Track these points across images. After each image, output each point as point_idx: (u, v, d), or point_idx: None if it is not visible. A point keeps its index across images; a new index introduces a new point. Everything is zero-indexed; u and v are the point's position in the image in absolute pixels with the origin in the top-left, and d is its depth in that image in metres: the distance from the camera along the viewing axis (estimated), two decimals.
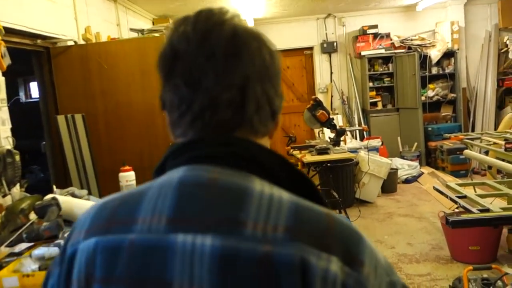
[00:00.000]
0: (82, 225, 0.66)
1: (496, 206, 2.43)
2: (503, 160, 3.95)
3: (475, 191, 3.64)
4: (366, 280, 0.57)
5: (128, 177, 2.74)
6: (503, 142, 4.09)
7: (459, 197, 2.65)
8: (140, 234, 0.59)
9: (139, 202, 0.62)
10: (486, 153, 4.89)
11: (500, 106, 7.63)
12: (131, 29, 5.31)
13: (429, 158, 7.45)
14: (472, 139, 4.77)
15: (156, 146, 3.58)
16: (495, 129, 7.34)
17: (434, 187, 3.07)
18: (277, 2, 6.34)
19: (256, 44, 0.66)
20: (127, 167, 2.77)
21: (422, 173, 6.84)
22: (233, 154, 0.62)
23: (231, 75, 0.63)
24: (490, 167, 4.89)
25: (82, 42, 3.89)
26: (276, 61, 0.68)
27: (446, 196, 2.75)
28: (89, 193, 2.71)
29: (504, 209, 2.31)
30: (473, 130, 7.62)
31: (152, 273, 0.57)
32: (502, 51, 7.61)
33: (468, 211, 2.43)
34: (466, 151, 4.44)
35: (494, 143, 4.35)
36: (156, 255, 0.58)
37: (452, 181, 6.30)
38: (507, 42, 7.41)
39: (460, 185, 2.93)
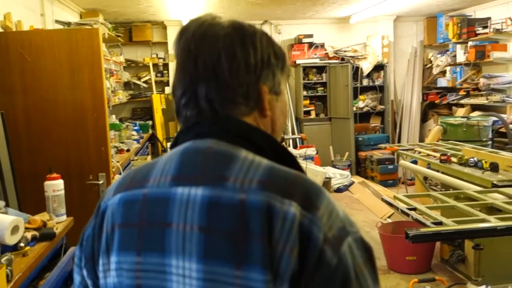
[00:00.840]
0: (111, 188, 0.83)
1: (443, 218, 2.41)
2: (437, 171, 4.05)
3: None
4: (318, 220, 0.69)
5: (55, 186, 2.41)
6: (437, 154, 4.19)
7: (409, 209, 2.61)
8: (151, 189, 0.77)
9: (153, 168, 0.80)
10: (416, 162, 5.03)
11: (423, 119, 7.98)
12: (57, 21, 4.87)
13: (359, 168, 7.60)
14: (405, 150, 4.87)
15: (86, 152, 3.23)
16: (419, 140, 7.67)
17: (382, 199, 3.04)
18: (214, 4, 6.15)
19: (202, 54, 0.79)
20: (54, 175, 2.43)
21: (353, 182, 6.95)
22: (226, 131, 0.77)
23: (184, 83, 0.80)
24: (426, 178, 5.03)
25: (0, 30, 3.45)
26: (223, 62, 0.78)
27: (397, 209, 2.71)
28: (7, 205, 2.34)
29: (457, 222, 2.29)
30: (399, 141, 7.90)
31: (158, 217, 0.74)
32: (427, 66, 7.99)
33: (422, 224, 2.39)
34: (402, 162, 4.52)
35: (428, 155, 4.46)
36: (161, 203, 0.74)
37: (381, 190, 6.45)
38: (431, 58, 7.78)
39: (407, 196, 2.91)
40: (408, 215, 2.55)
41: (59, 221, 2.40)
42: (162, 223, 0.73)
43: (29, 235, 2.07)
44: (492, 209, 2.75)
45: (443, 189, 3.97)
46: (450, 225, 2.26)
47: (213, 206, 0.70)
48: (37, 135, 3.20)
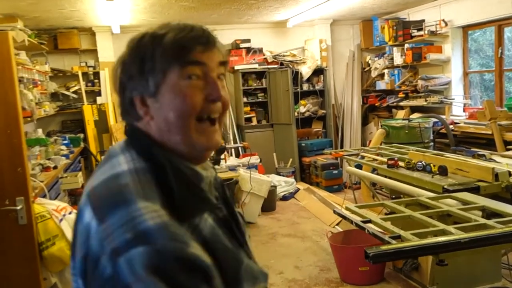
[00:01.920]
0: None
1: (401, 231, 2.24)
2: (385, 176, 3.94)
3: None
4: (99, 233, 0.74)
5: None
6: (383, 159, 4.09)
7: (364, 221, 2.43)
8: None
9: None
10: (360, 167, 4.93)
11: (364, 122, 8.01)
12: None
13: (303, 174, 7.47)
14: (351, 155, 4.75)
15: (1, 173, 2.79)
16: (362, 143, 7.67)
17: (334, 211, 2.85)
18: (145, 9, 5.79)
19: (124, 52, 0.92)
20: None
21: (298, 189, 6.79)
22: (125, 133, 0.93)
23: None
24: (376, 185, 4.93)
25: None
26: (114, 76, 0.93)
27: (351, 222, 2.52)
28: None
29: (416, 235, 2.12)
30: (342, 145, 7.87)
31: None
32: (365, 70, 8.03)
33: (379, 239, 2.20)
34: (349, 168, 4.39)
35: (374, 159, 4.35)
36: None
37: (328, 196, 6.34)
38: (369, 61, 7.82)
39: (358, 207, 2.73)
40: (364, 229, 2.36)
41: None
42: None
43: None
44: (445, 216, 2.63)
45: (392, 195, 3.86)
46: (410, 238, 2.08)
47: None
48: None
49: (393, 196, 3.43)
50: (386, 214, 3.20)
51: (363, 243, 3.96)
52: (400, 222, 2.50)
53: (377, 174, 4.36)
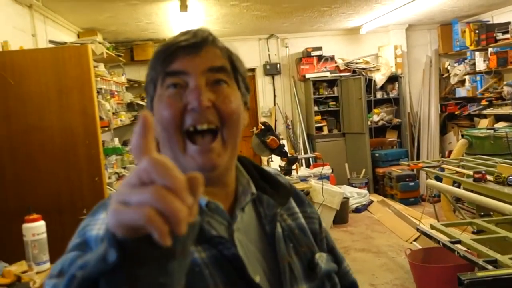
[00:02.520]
0: None
1: (497, 255, 2.01)
2: (470, 190, 3.63)
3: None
4: None
5: (35, 229, 2.04)
6: (468, 171, 3.78)
7: (452, 242, 2.21)
8: None
9: None
10: (440, 179, 4.62)
11: (442, 131, 7.56)
12: (51, 41, 4.56)
13: (377, 185, 7.17)
14: (431, 167, 4.46)
15: (78, 181, 2.87)
16: (440, 154, 7.25)
17: (418, 229, 2.64)
18: (218, 19, 5.85)
19: None
20: (34, 216, 2.06)
21: (372, 201, 6.52)
22: None
23: None
24: (458, 199, 4.60)
25: None
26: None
27: (438, 242, 2.31)
28: None
29: None
30: (418, 156, 7.48)
31: None
32: (444, 76, 7.60)
33: (472, 263, 1.98)
34: (430, 181, 4.10)
35: (457, 172, 4.04)
36: None
37: (403, 209, 6.02)
38: (448, 67, 7.39)
39: (445, 225, 2.50)
40: (453, 250, 2.14)
41: (40, 270, 2.03)
42: None
43: None
44: None
45: (480, 212, 3.54)
46: (509, 264, 1.85)
47: None
48: (23, 166, 2.85)
49: (482, 213, 3.14)
50: (473, 232, 2.94)
51: (445, 262, 3.68)
52: (494, 244, 2.25)
53: (461, 188, 4.05)
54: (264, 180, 0.89)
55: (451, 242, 2.21)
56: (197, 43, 0.79)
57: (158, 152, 0.74)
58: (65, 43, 4.75)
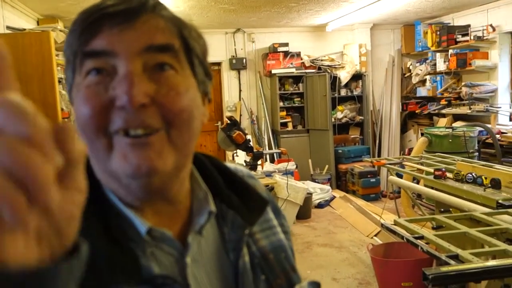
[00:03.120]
0: None
1: (458, 250, 2.07)
2: (431, 188, 3.74)
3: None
4: None
5: None
6: (428, 169, 3.89)
7: (415, 237, 2.26)
8: None
9: None
10: (401, 176, 4.74)
11: (402, 129, 7.75)
12: (8, 27, 4.37)
13: (339, 181, 7.28)
14: (393, 164, 4.56)
15: None
16: (400, 151, 7.43)
17: (382, 225, 2.69)
18: (184, 11, 5.76)
19: None
20: None
21: (334, 197, 6.61)
22: None
23: None
24: (419, 195, 4.71)
25: None
26: None
27: (402, 238, 2.36)
28: None
29: (475, 254, 1.94)
30: (379, 153, 7.64)
31: None
32: (405, 76, 7.78)
33: (434, 257, 2.03)
34: (392, 178, 4.20)
35: (418, 169, 4.15)
36: None
37: (365, 205, 6.14)
38: (410, 67, 7.57)
39: (408, 221, 2.56)
40: (416, 246, 2.19)
41: None
42: None
43: None
44: (499, 234, 2.43)
45: (440, 208, 3.65)
46: (470, 259, 1.90)
47: None
48: None
49: (442, 210, 3.23)
50: (433, 228, 3.02)
51: (405, 257, 3.78)
52: (454, 239, 2.32)
53: (421, 184, 4.16)
54: (230, 187, 0.67)
55: (414, 237, 2.26)
56: (130, 10, 0.55)
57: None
58: (24, 29, 4.56)
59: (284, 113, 7.42)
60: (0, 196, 0.28)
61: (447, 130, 5.53)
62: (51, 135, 0.31)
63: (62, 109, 4.48)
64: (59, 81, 4.75)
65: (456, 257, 1.99)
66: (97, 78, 0.55)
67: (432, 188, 3.71)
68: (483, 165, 3.81)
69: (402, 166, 4.61)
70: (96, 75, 0.55)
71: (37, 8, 5.20)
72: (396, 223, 2.53)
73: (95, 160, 0.58)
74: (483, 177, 3.30)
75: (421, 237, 2.27)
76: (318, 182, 6.79)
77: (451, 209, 3.29)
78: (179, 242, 0.61)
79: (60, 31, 5.17)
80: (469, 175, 3.42)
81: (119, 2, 0.56)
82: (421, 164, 4.38)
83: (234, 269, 0.64)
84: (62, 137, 0.31)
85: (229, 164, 0.73)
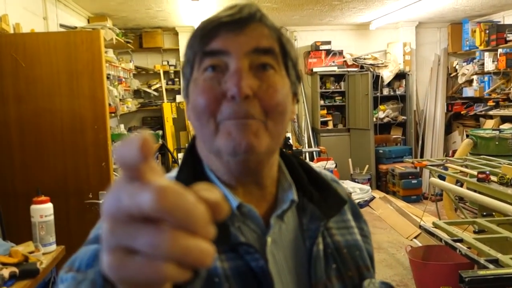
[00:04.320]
0: None
1: (498, 254, 2.03)
2: (475, 191, 3.65)
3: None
4: None
5: (43, 211, 2.07)
6: (472, 171, 3.79)
7: (454, 240, 2.23)
8: None
9: None
10: (443, 178, 4.63)
11: (447, 130, 7.56)
12: (62, 25, 4.58)
13: (379, 182, 7.18)
14: (435, 166, 4.47)
15: (85, 166, 2.90)
16: (444, 153, 7.25)
17: (420, 226, 2.67)
18: None
19: None
20: (42, 197, 2.10)
21: (374, 197, 6.54)
22: None
23: None
24: (462, 198, 4.61)
25: None
26: None
27: (440, 240, 2.33)
28: None
29: None
30: (422, 154, 7.48)
31: None
32: (451, 75, 7.58)
33: (473, 261, 2.00)
34: (433, 180, 4.12)
35: (461, 171, 4.06)
36: None
37: (405, 207, 6.04)
38: (457, 67, 7.37)
39: (448, 223, 2.52)
40: (455, 248, 2.16)
41: (46, 251, 2.07)
42: None
43: (6, 272, 1.73)
44: None
45: (482, 212, 3.56)
46: (510, 264, 1.87)
47: None
48: (32, 148, 2.88)
49: (484, 213, 3.15)
50: (474, 232, 2.96)
51: (444, 260, 3.71)
52: (495, 244, 2.27)
53: (464, 187, 4.06)
54: (313, 184, 0.75)
55: (453, 240, 2.23)
56: (242, 19, 0.67)
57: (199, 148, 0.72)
58: (76, 27, 4.76)
59: (325, 111, 7.39)
60: (175, 280, 0.32)
61: (493, 132, 5.35)
62: (208, 215, 0.33)
63: (109, 104, 4.66)
64: (107, 78, 4.94)
65: (496, 262, 1.95)
66: (212, 74, 0.67)
67: (475, 191, 3.62)
68: None
69: (445, 168, 4.51)
70: (212, 71, 0.67)
71: (88, 6, 5.41)
72: (435, 225, 2.50)
73: (203, 142, 0.70)
74: None
75: (460, 240, 2.24)
76: (358, 182, 6.73)
77: (494, 214, 3.21)
78: (263, 222, 0.70)
79: (109, 29, 5.37)
80: None
81: (233, 13, 0.68)
82: (465, 166, 4.28)
83: (308, 255, 0.71)
84: (217, 211, 0.34)
85: (315, 166, 0.81)
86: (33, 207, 2.08)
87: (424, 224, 2.61)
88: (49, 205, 2.12)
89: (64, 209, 2.87)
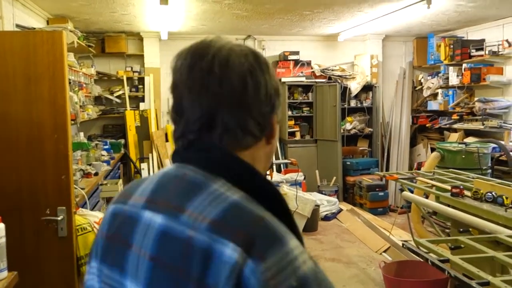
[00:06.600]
0: (116, 194, 0.87)
1: (489, 276, 1.94)
2: (447, 205, 3.61)
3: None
4: (261, 273, 0.63)
5: None
6: (447, 186, 3.76)
7: (441, 261, 2.14)
8: (129, 206, 0.79)
9: (139, 185, 0.82)
10: (411, 191, 4.62)
11: (412, 143, 7.63)
12: (18, 26, 4.29)
13: (346, 194, 7.14)
14: (405, 179, 4.44)
15: (43, 180, 2.64)
16: (409, 165, 7.31)
17: (403, 245, 2.56)
18: (197, 15, 5.67)
19: (228, 77, 0.76)
20: None
21: (341, 209, 6.48)
22: (210, 159, 0.76)
23: (201, 106, 0.76)
24: (435, 213, 4.58)
25: None
26: (250, 88, 0.77)
27: (426, 260, 2.23)
28: None
29: (507, 282, 1.82)
30: (387, 166, 7.51)
31: (124, 235, 0.76)
32: (416, 88, 7.67)
33: (466, 285, 1.91)
34: (407, 194, 4.07)
35: (432, 185, 4.02)
36: (130, 223, 0.76)
37: (372, 219, 6.00)
38: (422, 80, 7.47)
39: (430, 241, 2.43)
40: (443, 270, 2.07)
41: None
42: (126, 243, 0.75)
43: None
44: None
45: (459, 228, 3.52)
46: (502, 287, 1.78)
47: (164, 237, 0.71)
48: None
49: (461, 230, 3.10)
50: (451, 248, 2.90)
51: (418, 277, 3.65)
52: (482, 264, 2.19)
53: (434, 201, 4.03)
54: None
55: (439, 260, 2.14)
56: None
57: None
58: (34, 28, 4.47)
59: (293, 122, 7.31)
60: None
61: (460, 145, 5.40)
62: None
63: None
64: (69, 83, 4.66)
65: (487, 284, 1.86)
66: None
67: (448, 205, 3.58)
68: (500, 183, 3.68)
69: (414, 181, 4.49)
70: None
71: (48, 7, 5.11)
72: (417, 243, 2.40)
73: (269, 160, 0.86)
74: (504, 196, 3.18)
75: (447, 260, 2.14)
76: (325, 194, 6.66)
77: (470, 229, 3.16)
78: None
79: (71, 31, 5.09)
80: (488, 194, 3.30)
81: None
82: (434, 179, 4.27)
83: None
84: None
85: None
86: None
87: (407, 244, 2.51)
88: (0, 226, 1.87)
89: (18, 227, 2.61)
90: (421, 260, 2.63)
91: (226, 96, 0.75)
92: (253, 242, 0.65)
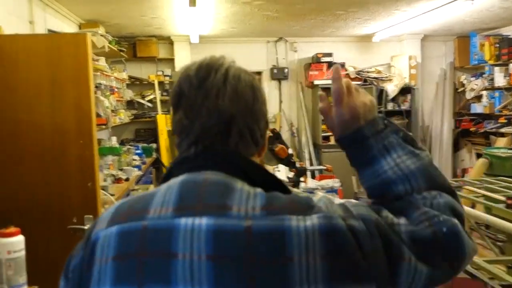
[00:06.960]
0: (104, 218, 0.81)
1: None
2: (503, 218, 3.30)
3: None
4: (325, 208, 0.74)
5: (11, 246, 1.69)
6: (501, 197, 3.45)
7: (504, 285, 1.88)
8: (151, 220, 0.75)
9: (151, 199, 0.79)
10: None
11: (455, 148, 7.25)
12: (50, 31, 4.24)
13: None
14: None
15: (68, 188, 2.52)
16: (452, 171, 6.94)
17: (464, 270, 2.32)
18: (227, 17, 5.53)
19: (242, 89, 0.82)
20: (11, 229, 1.71)
21: None
22: (226, 162, 0.79)
23: (219, 113, 0.80)
24: (488, 226, 4.25)
25: None
26: (259, 101, 0.85)
27: (485, 284, 1.98)
28: None
29: None
30: None
31: (161, 248, 0.73)
32: (458, 90, 7.30)
33: None
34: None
35: (483, 195, 3.71)
36: (164, 234, 0.74)
37: None
38: (464, 81, 7.09)
39: (488, 262, 2.17)
40: None
41: None
42: (167, 254, 0.73)
43: None
44: None
45: (508, 240, 3.22)
46: None
47: (218, 235, 0.72)
48: (6, 165, 2.51)
49: None
50: (508, 267, 2.62)
51: None
52: None
53: (482, 211, 3.72)
54: None
55: (502, 285, 1.88)
56: None
57: None
58: (66, 34, 4.42)
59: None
60: None
61: (510, 151, 5.04)
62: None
63: (98, 115, 4.29)
64: (97, 87, 4.58)
65: None
66: None
67: (503, 218, 3.27)
68: None
69: (459, 190, 4.17)
70: None
71: (79, 12, 5.07)
72: (475, 265, 2.14)
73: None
74: None
75: (510, 287, 1.88)
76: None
77: None
78: None
79: (101, 35, 5.02)
80: None
81: None
82: (483, 188, 3.95)
83: None
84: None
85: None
86: (1, 240, 1.71)
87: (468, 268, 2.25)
88: (19, 238, 1.74)
89: (45, 236, 2.50)
90: (470, 278, 2.37)
91: (241, 105, 0.81)
92: (304, 210, 0.73)
